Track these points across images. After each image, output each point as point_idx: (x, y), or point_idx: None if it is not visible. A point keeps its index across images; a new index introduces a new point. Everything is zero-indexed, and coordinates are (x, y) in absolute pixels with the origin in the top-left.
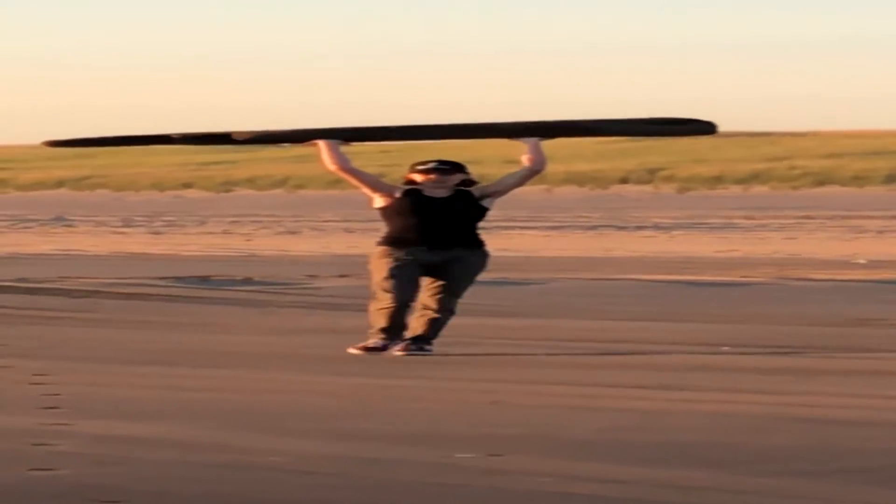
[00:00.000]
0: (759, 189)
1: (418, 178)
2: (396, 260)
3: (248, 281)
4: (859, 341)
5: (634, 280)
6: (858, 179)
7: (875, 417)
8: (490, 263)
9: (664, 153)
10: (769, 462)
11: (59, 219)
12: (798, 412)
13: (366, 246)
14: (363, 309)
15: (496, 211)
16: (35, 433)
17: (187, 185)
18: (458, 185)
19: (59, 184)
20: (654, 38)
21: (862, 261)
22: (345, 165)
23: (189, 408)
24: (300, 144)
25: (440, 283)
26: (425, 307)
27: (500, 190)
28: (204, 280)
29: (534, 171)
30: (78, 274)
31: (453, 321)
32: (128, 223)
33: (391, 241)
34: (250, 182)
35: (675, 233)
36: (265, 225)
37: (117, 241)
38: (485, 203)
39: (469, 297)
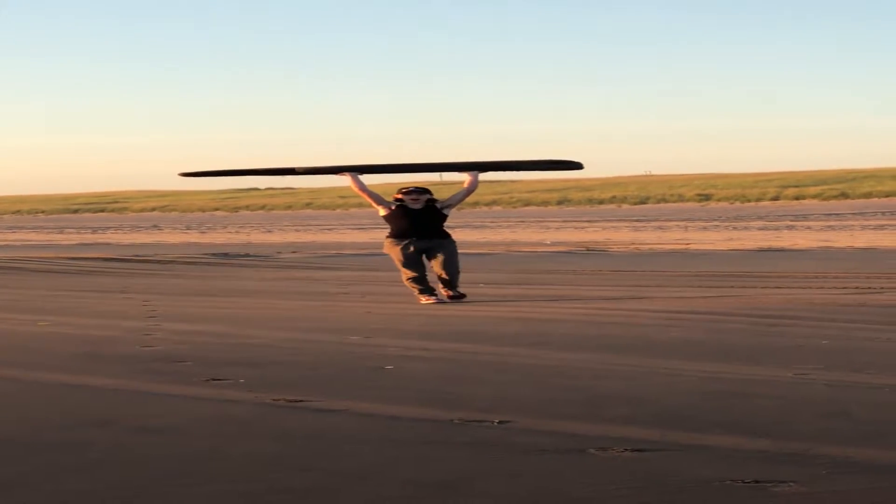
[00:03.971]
0: (496, 207)
1: (402, 196)
2: (402, 246)
3: (247, 255)
4: (548, 280)
5: None
6: (545, 203)
7: (557, 316)
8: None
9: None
10: (510, 340)
11: (154, 227)
12: (520, 315)
13: (305, 238)
14: (308, 268)
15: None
16: (143, 329)
17: (217, 209)
18: (426, 201)
19: (153, 209)
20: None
21: (549, 242)
22: (361, 188)
23: (222, 316)
24: (337, 174)
25: (438, 260)
26: (440, 276)
27: (452, 203)
28: (225, 255)
29: (470, 190)
30: (164, 252)
31: (338, 276)
32: (189, 227)
33: (395, 235)
34: (247, 207)
35: (457, 229)
36: (255, 228)
37: (183, 237)
38: (445, 211)
39: (351, 263)
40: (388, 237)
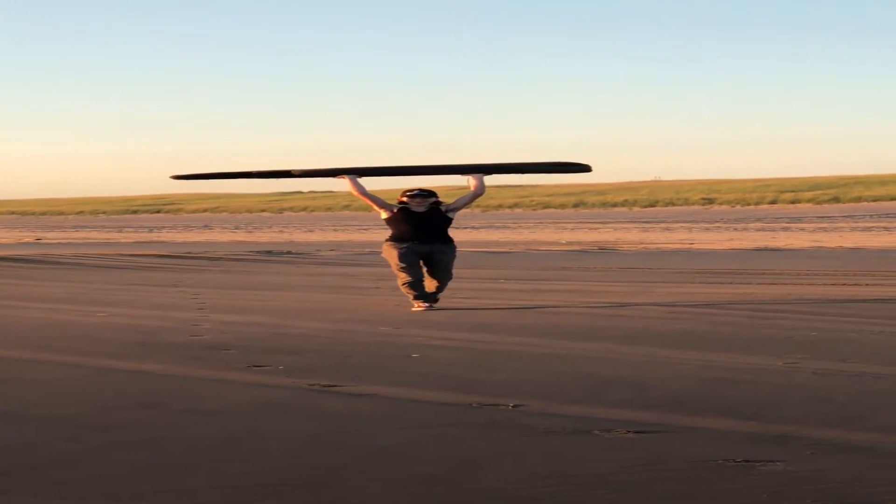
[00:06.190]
0: (518, 210)
1: (407, 199)
2: (400, 250)
3: (289, 253)
4: (562, 276)
5: (470, 251)
6: (562, 206)
7: (570, 309)
8: (457, 250)
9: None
10: (525, 330)
11: (206, 226)
12: (535, 308)
13: (343, 237)
14: (346, 265)
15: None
16: (193, 320)
17: (263, 210)
18: (431, 204)
19: (205, 210)
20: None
21: (564, 242)
22: (361, 191)
23: (264, 308)
24: (334, 177)
25: (434, 264)
26: (430, 280)
27: (458, 207)
28: (269, 252)
29: (477, 194)
30: (213, 250)
31: (372, 272)
32: (237, 227)
33: (395, 238)
34: (291, 209)
35: (481, 230)
36: (297, 228)
37: (232, 236)
38: (449, 215)
39: (384, 260)
40: (387, 240)
